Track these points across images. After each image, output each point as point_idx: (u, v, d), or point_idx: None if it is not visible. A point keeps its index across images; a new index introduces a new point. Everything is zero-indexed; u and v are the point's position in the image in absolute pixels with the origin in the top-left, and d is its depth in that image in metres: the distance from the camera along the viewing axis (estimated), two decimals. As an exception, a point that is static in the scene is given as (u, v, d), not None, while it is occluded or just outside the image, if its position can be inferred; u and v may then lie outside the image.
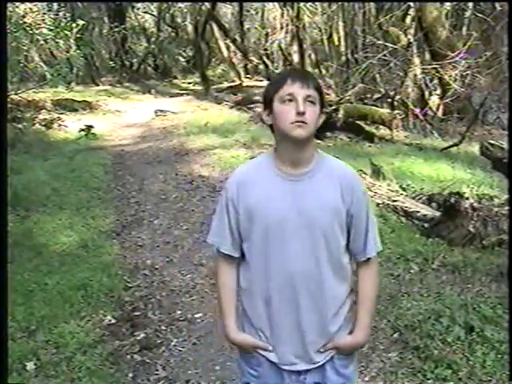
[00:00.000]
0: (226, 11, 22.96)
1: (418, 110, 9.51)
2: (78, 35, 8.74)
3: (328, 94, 12.99)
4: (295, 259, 1.65)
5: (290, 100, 1.60)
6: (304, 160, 1.67)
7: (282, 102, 1.61)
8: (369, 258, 1.76)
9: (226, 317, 1.80)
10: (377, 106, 9.87)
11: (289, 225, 1.64)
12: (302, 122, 1.59)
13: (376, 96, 10.71)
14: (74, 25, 8.63)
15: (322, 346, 1.74)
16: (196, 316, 3.67)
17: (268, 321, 1.72)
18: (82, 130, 10.18)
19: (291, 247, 1.65)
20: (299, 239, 1.65)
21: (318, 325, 1.71)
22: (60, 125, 11.00)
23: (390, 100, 10.03)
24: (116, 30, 19.65)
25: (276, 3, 16.81)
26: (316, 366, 1.74)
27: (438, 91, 10.12)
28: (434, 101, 10.15)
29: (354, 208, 1.69)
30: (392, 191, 5.47)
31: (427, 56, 10.70)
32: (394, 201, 5.19)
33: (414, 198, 5.32)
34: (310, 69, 15.48)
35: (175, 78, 23.56)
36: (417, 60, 10.36)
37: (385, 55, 9.49)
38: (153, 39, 24.04)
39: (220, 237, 1.76)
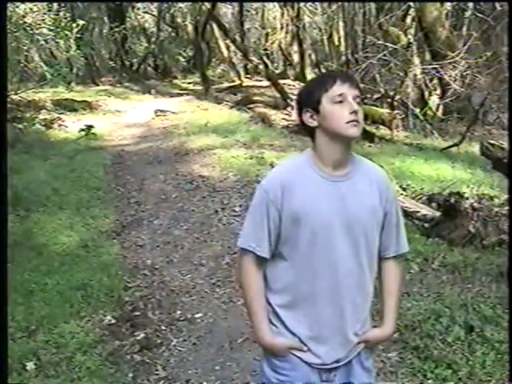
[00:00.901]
0: (226, 11, 22.94)
1: (418, 111, 9.51)
2: (78, 35, 8.75)
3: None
4: (341, 260, 1.68)
5: (341, 101, 1.63)
6: (346, 161, 1.70)
7: (333, 103, 1.64)
8: (399, 255, 1.85)
9: (260, 320, 1.74)
10: (377, 106, 9.87)
11: (335, 226, 1.66)
12: (356, 121, 1.63)
13: (376, 96, 10.71)
14: (74, 25, 8.64)
15: (356, 343, 1.77)
16: (196, 316, 3.67)
17: (309, 321, 1.71)
18: (82, 129, 10.20)
19: (337, 248, 1.67)
20: (344, 240, 1.68)
21: (356, 323, 1.76)
22: (60, 125, 11.01)
23: (389, 100, 10.03)
24: (116, 30, 19.63)
25: (276, 3, 16.81)
26: (345, 361, 1.77)
27: (438, 91, 10.12)
28: (433, 101, 10.15)
29: (388, 207, 1.76)
30: (392, 191, 5.46)
31: (427, 56, 10.70)
32: (394, 201, 5.18)
33: (414, 198, 5.32)
34: (309, 69, 15.51)
35: (175, 78, 23.53)
36: (417, 60, 10.37)
37: (385, 55, 9.48)
38: (153, 39, 24.03)
39: (257, 240, 1.71)
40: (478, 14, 9.43)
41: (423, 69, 9.84)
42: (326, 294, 1.69)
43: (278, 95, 12.14)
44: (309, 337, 1.72)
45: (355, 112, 1.62)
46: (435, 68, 9.18)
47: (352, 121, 1.62)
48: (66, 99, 12.99)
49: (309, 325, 1.71)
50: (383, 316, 1.85)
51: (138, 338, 3.39)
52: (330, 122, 1.65)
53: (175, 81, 22.72)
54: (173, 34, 24.50)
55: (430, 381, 2.76)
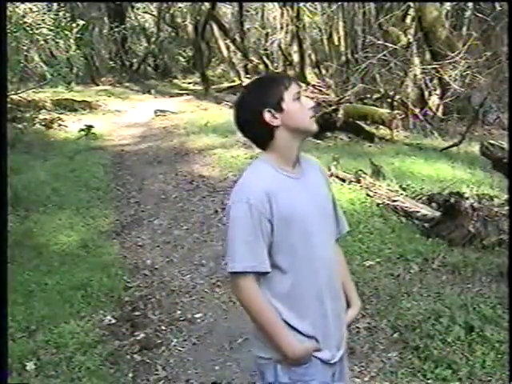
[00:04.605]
0: (226, 11, 22.92)
1: (418, 110, 9.51)
2: (78, 35, 8.74)
3: (328, 94, 13.01)
4: (328, 252, 1.73)
5: (298, 98, 1.66)
6: (299, 158, 1.74)
7: (295, 100, 1.65)
8: (341, 235, 1.90)
9: (285, 335, 1.64)
10: (377, 106, 9.86)
11: (316, 221, 1.69)
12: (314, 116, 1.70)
13: (376, 96, 10.70)
14: (74, 25, 8.63)
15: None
16: (196, 316, 3.67)
17: (320, 321, 1.69)
18: (82, 129, 10.19)
19: (324, 243, 1.72)
20: (324, 232, 1.73)
21: (344, 310, 1.82)
22: (60, 125, 11.01)
23: (389, 100, 10.02)
24: (116, 30, 19.63)
25: (276, 3, 16.80)
26: (343, 352, 1.80)
27: (438, 91, 10.12)
28: (433, 101, 10.14)
29: (331, 193, 1.85)
30: (392, 191, 5.47)
31: (427, 56, 10.70)
32: (394, 201, 5.19)
33: (413, 198, 5.32)
34: (309, 69, 15.50)
35: (175, 77, 23.54)
36: (417, 60, 10.36)
37: (385, 55, 9.48)
38: (153, 39, 24.02)
39: (257, 258, 1.61)
40: (478, 14, 9.43)
41: (423, 69, 9.84)
42: (326, 289, 1.70)
43: (277, 95, 12.11)
44: (322, 335, 1.70)
45: (313, 107, 1.68)
46: (435, 68, 9.18)
47: (312, 116, 1.68)
48: (66, 99, 12.99)
49: (320, 324, 1.70)
50: (349, 294, 1.88)
51: (138, 338, 3.39)
52: (296, 119, 1.65)
53: (175, 81, 22.73)
54: (173, 34, 24.48)
55: (429, 381, 2.75)
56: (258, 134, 1.69)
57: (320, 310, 1.69)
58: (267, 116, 1.64)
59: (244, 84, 16.83)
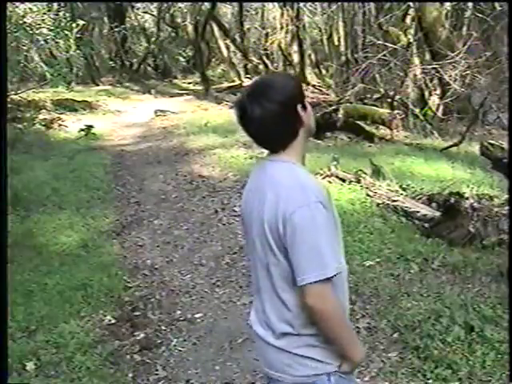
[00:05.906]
0: (226, 11, 22.93)
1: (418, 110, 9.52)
2: (78, 35, 8.75)
3: (328, 94, 13.03)
4: None
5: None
6: None
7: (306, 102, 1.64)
8: None
9: (356, 338, 1.63)
10: (377, 106, 9.86)
11: None
12: None
13: (376, 96, 10.70)
14: (74, 25, 8.63)
15: None
16: (196, 316, 3.67)
17: (348, 315, 1.70)
18: (82, 129, 10.20)
19: None
20: None
21: None
22: (60, 125, 11.02)
23: (389, 100, 10.02)
24: (116, 30, 19.64)
25: (276, 3, 16.81)
26: None
27: (438, 91, 10.12)
28: (433, 101, 10.15)
29: None
30: (392, 191, 5.47)
31: (427, 56, 10.70)
32: (394, 201, 5.18)
33: (413, 198, 5.32)
34: (309, 69, 15.52)
35: (175, 77, 23.58)
36: (417, 60, 10.37)
37: (385, 55, 9.48)
38: (153, 39, 24.04)
39: (337, 257, 1.53)
40: (478, 14, 9.43)
41: (423, 69, 9.84)
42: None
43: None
44: None
45: None
46: (435, 68, 9.18)
47: None
48: (66, 99, 13.00)
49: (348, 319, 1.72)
50: None
51: (138, 338, 3.40)
52: (311, 120, 1.60)
53: (175, 81, 22.76)
54: (173, 34, 24.50)
55: (429, 381, 2.75)
56: (285, 129, 1.54)
57: (347, 306, 1.67)
58: (302, 111, 1.55)
59: (246, 83, 16.87)
